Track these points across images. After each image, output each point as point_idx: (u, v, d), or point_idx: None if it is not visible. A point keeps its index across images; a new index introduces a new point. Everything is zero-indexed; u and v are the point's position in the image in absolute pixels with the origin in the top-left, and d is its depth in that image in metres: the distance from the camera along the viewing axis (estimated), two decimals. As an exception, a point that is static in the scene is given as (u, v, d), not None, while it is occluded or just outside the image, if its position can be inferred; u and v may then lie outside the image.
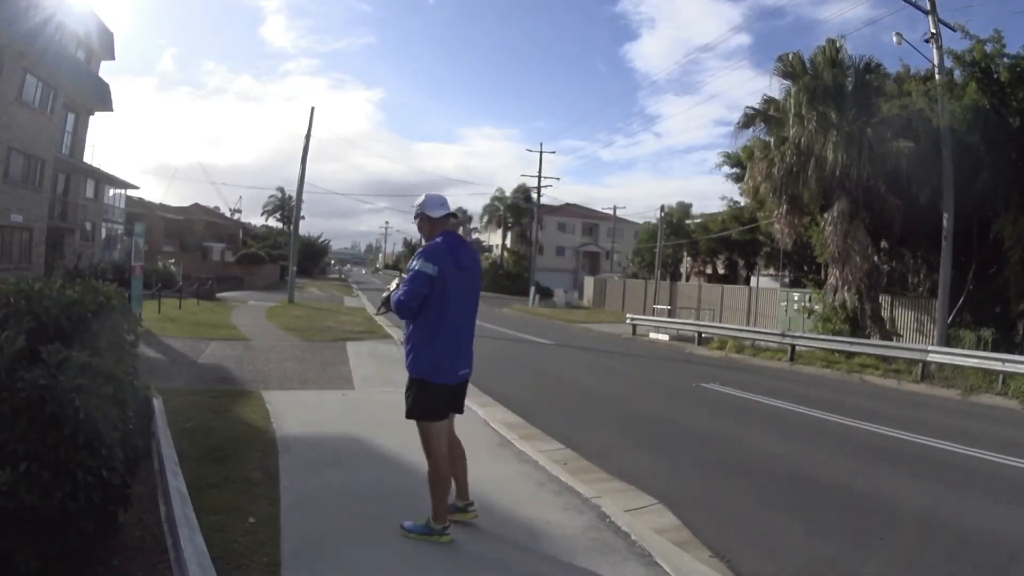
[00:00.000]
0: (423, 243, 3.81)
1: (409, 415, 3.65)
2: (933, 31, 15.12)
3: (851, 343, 14.95)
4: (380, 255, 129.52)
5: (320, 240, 72.03)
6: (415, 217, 3.83)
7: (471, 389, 8.91)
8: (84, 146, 26.86)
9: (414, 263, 3.56)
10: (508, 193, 55.53)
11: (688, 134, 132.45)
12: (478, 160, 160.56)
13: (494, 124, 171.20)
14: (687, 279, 37.79)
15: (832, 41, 16.76)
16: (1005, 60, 14.77)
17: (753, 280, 33.87)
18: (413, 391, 3.64)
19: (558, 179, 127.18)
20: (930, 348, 13.41)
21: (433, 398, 3.60)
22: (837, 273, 16.47)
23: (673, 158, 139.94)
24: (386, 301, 3.73)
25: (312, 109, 28.20)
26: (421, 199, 3.81)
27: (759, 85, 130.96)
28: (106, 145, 53.16)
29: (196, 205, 58.42)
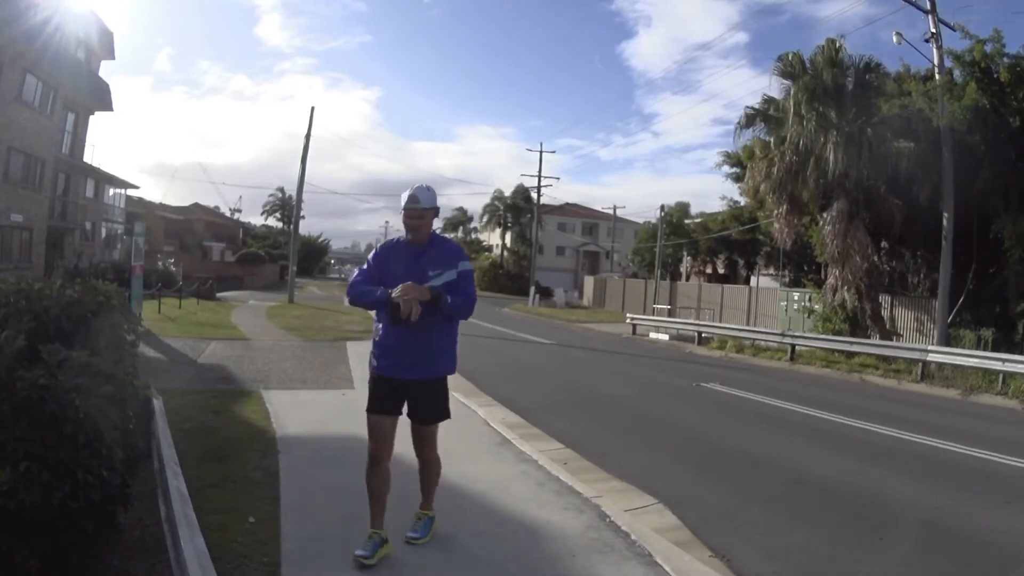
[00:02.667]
0: (403, 238, 3.49)
1: (446, 415, 3.53)
2: (933, 31, 15.12)
3: (851, 343, 14.95)
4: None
5: (320, 240, 72.05)
6: (428, 210, 3.36)
7: (471, 389, 8.98)
8: (84, 146, 26.87)
9: (464, 263, 3.41)
10: (507, 192, 55.57)
11: (686, 133, 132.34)
12: (475, 159, 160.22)
13: (489, 122, 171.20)
14: (687, 279, 37.77)
15: (832, 41, 16.76)
16: (1005, 60, 14.77)
17: (753, 280, 33.86)
18: (446, 389, 3.51)
19: (558, 179, 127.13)
20: (930, 348, 13.41)
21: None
22: (837, 273, 16.48)
23: (671, 157, 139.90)
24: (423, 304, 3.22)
25: (312, 109, 28.32)
26: (429, 190, 3.39)
27: (757, 84, 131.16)
28: (105, 145, 53.21)
29: (196, 205, 58.47)
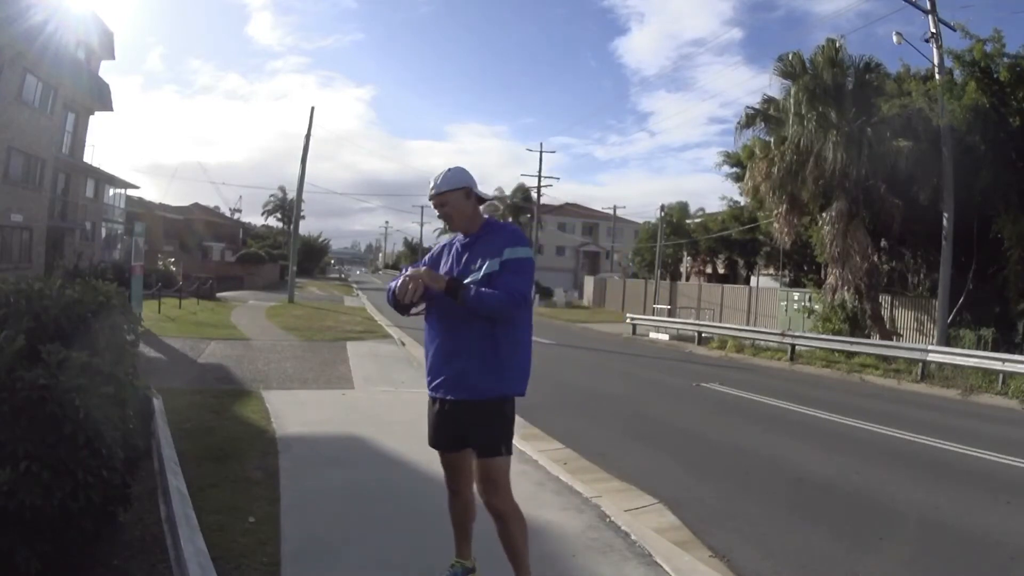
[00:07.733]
0: (436, 230, 3.05)
1: (502, 448, 2.76)
2: (933, 31, 15.13)
3: (851, 343, 14.96)
4: (380, 255, 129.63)
5: (320, 240, 72.01)
6: (457, 190, 2.83)
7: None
8: (84, 146, 26.87)
9: (515, 250, 2.73)
10: (507, 191, 55.49)
11: (682, 131, 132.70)
12: (469, 158, 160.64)
13: (482, 120, 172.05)
14: (687, 279, 37.77)
15: (832, 41, 16.78)
16: (1005, 59, 14.77)
17: (753, 280, 33.83)
18: (502, 416, 2.75)
19: (557, 179, 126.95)
20: (930, 348, 13.42)
21: (513, 418, 2.84)
22: (837, 273, 16.48)
23: (667, 156, 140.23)
24: (457, 290, 2.63)
25: (312, 109, 28.32)
26: (461, 172, 2.88)
27: (755, 83, 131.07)
28: (103, 144, 53.46)
29: (196, 205, 58.45)
